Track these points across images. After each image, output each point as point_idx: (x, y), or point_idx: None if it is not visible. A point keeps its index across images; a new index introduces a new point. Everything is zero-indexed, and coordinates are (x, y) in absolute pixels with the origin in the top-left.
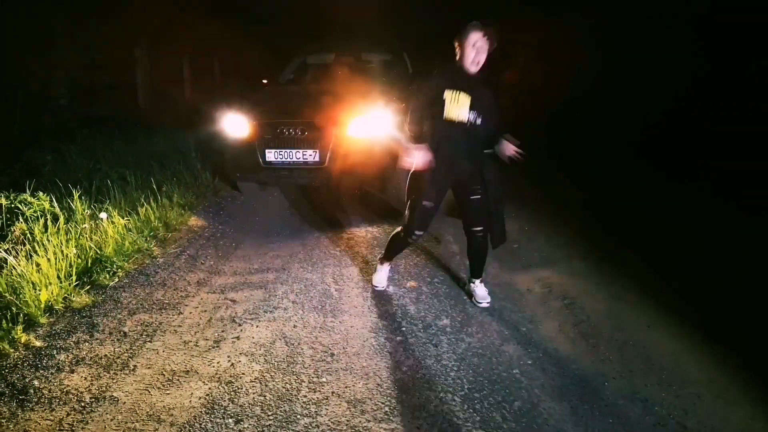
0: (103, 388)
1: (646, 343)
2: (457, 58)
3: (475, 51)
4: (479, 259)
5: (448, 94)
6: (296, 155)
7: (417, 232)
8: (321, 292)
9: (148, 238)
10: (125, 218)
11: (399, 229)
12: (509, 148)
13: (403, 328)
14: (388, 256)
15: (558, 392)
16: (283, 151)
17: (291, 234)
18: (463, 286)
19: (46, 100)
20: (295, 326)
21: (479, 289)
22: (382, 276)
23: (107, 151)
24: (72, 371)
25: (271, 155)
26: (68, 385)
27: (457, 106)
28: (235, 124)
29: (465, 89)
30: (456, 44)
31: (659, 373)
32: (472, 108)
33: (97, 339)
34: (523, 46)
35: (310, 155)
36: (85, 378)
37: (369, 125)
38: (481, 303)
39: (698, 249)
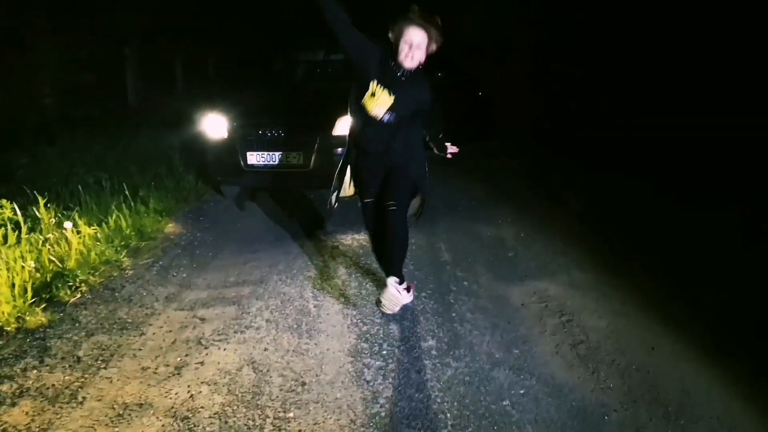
0: (45, 425)
1: (650, 367)
2: (393, 47)
3: (408, 46)
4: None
5: (372, 84)
6: (279, 158)
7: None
8: (298, 309)
9: (119, 248)
10: (94, 227)
11: None
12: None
13: (384, 351)
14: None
15: (553, 428)
16: (266, 153)
17: (274, 241)
18: (453, 300)
19: (29, 99)
20: (266, 349)
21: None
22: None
23: (86, 154)
24: (13, 404)
25: (252, 158)
26: (6, 422)
27: (375, 101)
28: (215, 125)
29: (391, 86)
30: (390, 33)
31: (666, 403)
32: (392, 110)
33: (46, 365)
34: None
35: (294, 158)
36: (27, 413)
37: None
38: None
39: (703, 259)
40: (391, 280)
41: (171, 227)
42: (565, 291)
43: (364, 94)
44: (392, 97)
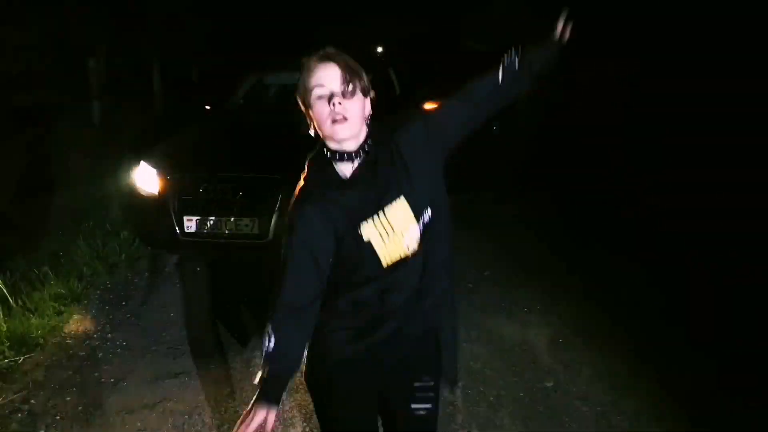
0: None
1: None
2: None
3: (324, 101)
4: None
5: (366, 229)
6: (227, 225)
7: None
8: None
9: None
10: None
11: None
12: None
13: None
14: None
15: None
16: (209, 219)
17: (208, 355)
18: None
19: None
20: None
21: None
22: None
23: None
24: None
25: (191, 224)
26: None
27: (395, 235)
28: (145, 178)
29: (383, 194)
30: (302, 107)
31: None
32: (419, 212)
33: None
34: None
35: (247, 225)
36: None
37: None
38: None
39: None
40: None
41: (75, 322)
42: None
43: (371, 263)
44: (403, 199)
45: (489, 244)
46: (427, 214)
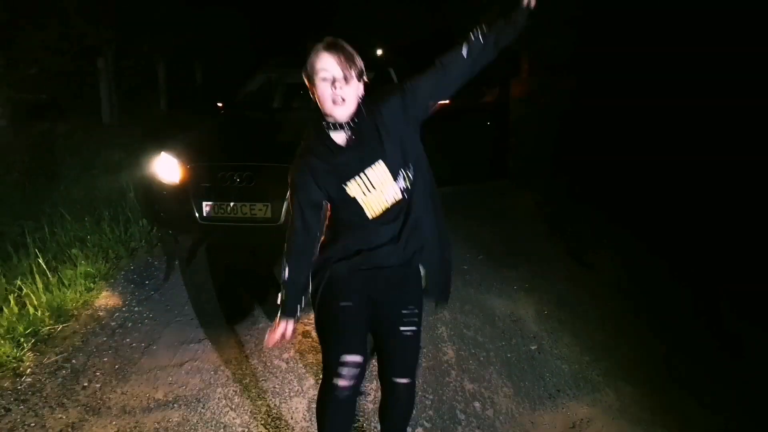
0: None
1: None
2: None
3: (328, 84)
4: (399, 419)
5: (352, 187)
6: (242, 209)
7: (341, 383)
8: None
9: (23, 340)
10: None
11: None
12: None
13: None
14: None
15: None
16: (225, 204)
17: (228, 323)
18: None
19: None
20: None
21: None
22: None
23: (15, 196)
24: None
25: (208, 209)
26: None
27: (376, 192)
28: (166, 168)
29: (366, 159)
30: (307, 83)
31: None
32: (396, 172)
33: None
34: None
35: (260, 210)
36: None
37: None
38: None
39: None
40: None
41: (104, 297)
42: (618, 425)
43: (361, 214)
44: (380, 163)
45: (485, 231)
46: (405, 171)
